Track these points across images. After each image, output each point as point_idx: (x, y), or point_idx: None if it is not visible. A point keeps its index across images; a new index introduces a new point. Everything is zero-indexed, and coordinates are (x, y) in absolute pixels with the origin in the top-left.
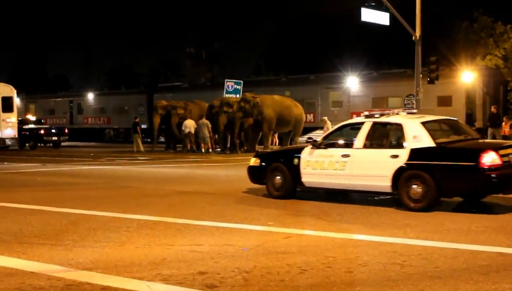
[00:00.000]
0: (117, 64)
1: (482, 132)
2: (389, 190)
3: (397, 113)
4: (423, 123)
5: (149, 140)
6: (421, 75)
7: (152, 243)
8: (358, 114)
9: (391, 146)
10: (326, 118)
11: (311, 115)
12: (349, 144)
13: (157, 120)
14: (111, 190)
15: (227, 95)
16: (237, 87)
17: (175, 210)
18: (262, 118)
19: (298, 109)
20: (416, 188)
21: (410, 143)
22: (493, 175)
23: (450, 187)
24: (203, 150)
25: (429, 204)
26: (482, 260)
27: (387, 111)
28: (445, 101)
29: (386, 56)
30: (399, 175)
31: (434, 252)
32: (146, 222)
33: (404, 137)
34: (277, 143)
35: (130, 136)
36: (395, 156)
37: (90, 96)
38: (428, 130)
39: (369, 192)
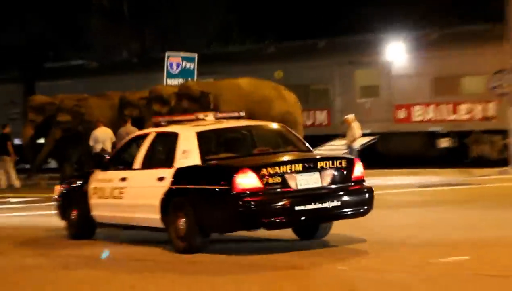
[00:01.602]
0: None
1: None
2: (160, 224)
3: (215, 117)
4: (201, 133)
5: (27, 166)
6: None
7: None
8: (409, 108)
9: (164, 165)
10: (350, 117)
11: (323, 113)
12: (130, 164)
13: (29, 132)
14: None
15: (169, 82)
16: (188, 65)
17: None
18: None
19: (285, 104)
20: (181, 222)
21: (178, 160)
22: (247, 203)
23: (208, 220)
24: None
25: (192, 244)
26: None
27: (203, 115)
28: None
29: (455, 2)
30: (166, 204)
31: None
32: None
33: (175, 153)
34: None
35: None
36: (162, 179)
37: None
38: (203, 142)
39: (145, 228)
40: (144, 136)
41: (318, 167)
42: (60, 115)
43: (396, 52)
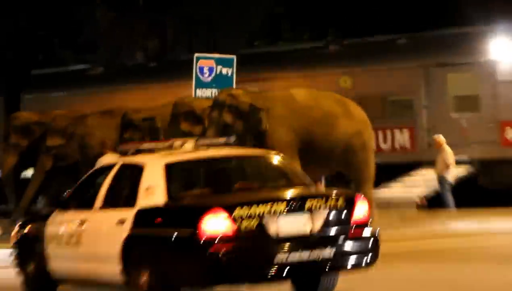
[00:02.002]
0: None
1: None
2: (120, 278)
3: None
4: (170, 165)
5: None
6: None
7: None
8: None
9: (126, 204)
10: (440, 138)
11: (404, 132)
12: (91, 203)
13: (10, 160)
14: None
15: (199, 93)
16: (225, 71)
17: None
18: (274, 149)
19: (353, 123)
20: (144, 276)
21: (141, 199)
22: (214, 253)
23: (172, 274)
24: None
25: None
26: None
27: (174, 142)
28: None
29: None
30: (127, 254)
31: None
32: None
33: (138, 189)
34: None
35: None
36: (122, 222)
37: None
38: (172, 177)
39: (106, 283)
40: (109, 167)
41: (307, 207)
42: (51, 138)
43: (503, 50)
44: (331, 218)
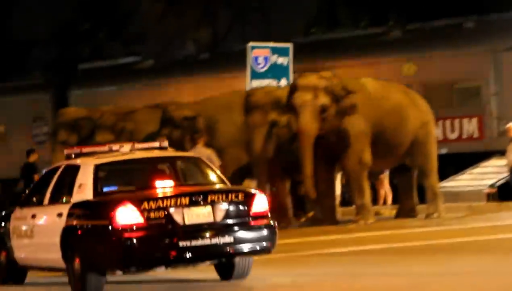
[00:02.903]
0: None
1: None
2: (61, 264)
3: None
4: (99, 165)
5: None
6: None
7: None
8: None
9: (64, 200)
10: None
11: (472, 121)
12: (42, 200)
13: (57, 159)
14: None
15: (254, 83)
16: (281, 60)
17: None
18: (342, 137)
19: (420, 113)
20: (76, 261)
21: (75, 194)
22: (126, 240)
23: (95, 259)
24: None
25: (85, 286)
26: None
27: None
28: None
29: None
30: (64, 242)
31: None
32: None
33: (73, 186)
34: (388, 198)
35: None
36: (60, 215)
37: None
38: (100, 176)
39: (53, 269)
40: (56, 169)
41: (209, 201)
42: (100, 135)
43: None
44: (231, 210)
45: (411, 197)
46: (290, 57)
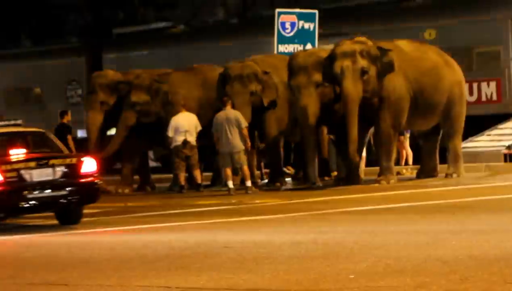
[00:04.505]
0: None
1: None
2: None
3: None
4: None
5: None
6: None
7: None
8: None
9: None
10: None
11: (491, 84)
12: None
13: (95, 118)
14: None
15: (281, 48)
16: (307, 26)
17: None
18: (383, 98)
19: (454, 73)
20: None
21: None
22: None
23: None
24: (229, 185)
25: None
26: None
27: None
28: None
29: None
30: None
31: None
32: None
33: None
34: (409, 159)
35: None
36: None
37: None
38: None
39: None
40: None
41: (50, 164)
42: (136, 94)
43: None
44: (66, 171)
45: (434, 158)
46: (316, 23)
